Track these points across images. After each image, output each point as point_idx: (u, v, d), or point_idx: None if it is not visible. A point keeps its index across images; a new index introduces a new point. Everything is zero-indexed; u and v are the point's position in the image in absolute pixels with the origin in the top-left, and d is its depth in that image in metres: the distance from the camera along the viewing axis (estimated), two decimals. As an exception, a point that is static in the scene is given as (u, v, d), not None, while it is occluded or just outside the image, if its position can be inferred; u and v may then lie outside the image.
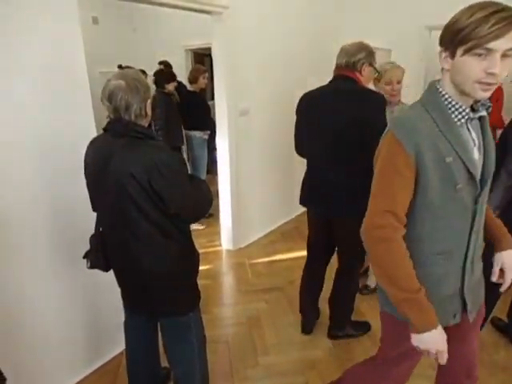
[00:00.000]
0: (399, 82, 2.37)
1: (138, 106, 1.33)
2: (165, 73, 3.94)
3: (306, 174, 2.17)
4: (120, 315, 1.74)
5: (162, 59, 4.80)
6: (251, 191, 3.61)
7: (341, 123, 1.87)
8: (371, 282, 2.83)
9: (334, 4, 4.38)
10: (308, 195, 2.14)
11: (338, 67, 1.96)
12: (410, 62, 4.30)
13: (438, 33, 4.32)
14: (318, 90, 2.03)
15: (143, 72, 4.22)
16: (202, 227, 3.98)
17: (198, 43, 5.34)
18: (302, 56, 3.96)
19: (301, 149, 2.17)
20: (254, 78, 3.39)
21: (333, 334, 2.36)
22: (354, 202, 1.78)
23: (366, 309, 2.67)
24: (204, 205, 1.48)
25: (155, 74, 3.88)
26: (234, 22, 3.00)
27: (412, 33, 4.23)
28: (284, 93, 3.75)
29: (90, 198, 1.52)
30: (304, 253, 3.46)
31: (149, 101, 1.39)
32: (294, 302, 2.75)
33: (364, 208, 1.12)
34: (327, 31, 4.35)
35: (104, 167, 1.33)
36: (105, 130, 1.40)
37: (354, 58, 1.90)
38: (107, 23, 5.54)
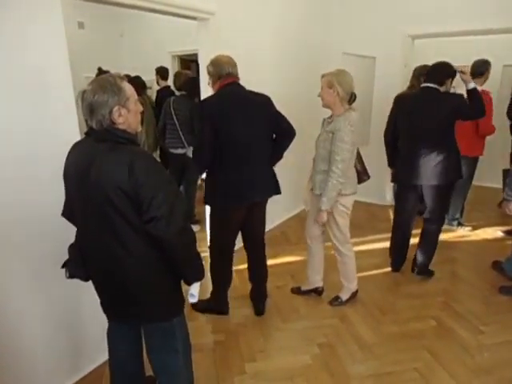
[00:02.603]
0: (322, 88, 2.40)
1: (99, 112, 1.29)
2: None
3: (227, 176, 2.22)
4: (103, 323, 1.70)
5: (158, 65, 4.74)
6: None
7: (261, 121, 2.24)
8: (343, 294, 2.78)
9: (319, 13, 4.45)
10: (239, 192, 2.26)
11: (230, 75, 2.20)
12: (395, 68, 4.40)
13: (421, 41, 4.49)
14: (224, 97, 2.18)
15: (136, 77, 4.19)
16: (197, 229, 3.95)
17: (185, 49, 5.34)
18: (288, 63, 4.00)
19: (215, 155, 2.19)
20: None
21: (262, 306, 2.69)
22: (276, 181, 2.44)
23: (354, 315, 2.68)
24: (179, 216, 1.33)
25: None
26: (220, 28, 3.01)
27: (396, 41, 4.32)
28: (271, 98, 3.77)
29: (67, 202, 1.49)
30: (290, 258, 3.47)
31: (116, 107, 1.30)
32: (281, 307, 2.75)
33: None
34: (313, 38, 4.41)
35: (85, 173, 1.31)
36: (87, 134, 1.39)
37: (236, 68, 2.24)
38: (93, 28, 5.50)
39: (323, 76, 2.40)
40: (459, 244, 3.79)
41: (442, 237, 3.89)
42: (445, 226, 3.83)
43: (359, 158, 2.64)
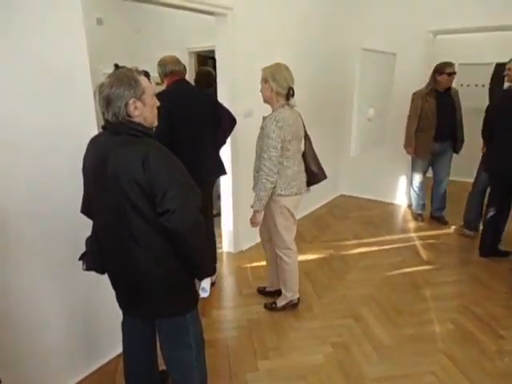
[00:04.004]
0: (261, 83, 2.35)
1: (115, 104, 1.30)
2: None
3: (186, 160, 2.30)
4: (118, 316, 1.72)
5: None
6: (253, 194, 3.58)
7: (208, 112, 2.60)
8: (279, 301, 2.66)
9: (338, 8, 4.38)
10: (199, 173, 2.37)
11: (174, 73, 2.49)
12: (415, 65, 4.30)
13: (442, 37, 4.41)
14: (177, 91, 2.47)
15: (145, 72, 4.21)
16: None
17: (202, 45, 5.34)
18: (306, 58, 3.95)
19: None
20: (258, 80, 3.37)
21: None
22: (222, 163, 2.83)
23: (369, 316, 2.64)
24: (193, 209, 1.33)
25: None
26: (237, 23, 2.99)
27: (417, 37, 4.22)
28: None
29: (85, 197, 1.50)
30: (305, 257, 3.44)
31: (131, 100, 1.30)
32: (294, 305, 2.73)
33: None
34: (332, 34, 4.35)
35: (101, 166, 1.32)
36: (104, 128, 1.39)
37: (180, 65, 2.53)
38: (112, 24, 5.55)
39: (262, 70, 2.34)
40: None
41: (461, 240, 3.81)
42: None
43: (314, 157, 2.53)
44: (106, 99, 1.30)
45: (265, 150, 2.21)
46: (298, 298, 2.68)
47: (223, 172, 2.82)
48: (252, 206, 2.31)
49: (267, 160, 2.20)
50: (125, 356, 1.75)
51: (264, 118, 2.35)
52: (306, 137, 2.49)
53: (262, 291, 2.88)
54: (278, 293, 2.72)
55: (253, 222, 2.37)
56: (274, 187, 2.28)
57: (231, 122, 2.80)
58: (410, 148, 4.01)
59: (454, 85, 4.01)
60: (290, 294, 2.62)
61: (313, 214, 4.54)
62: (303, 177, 2.43)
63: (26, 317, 1.75)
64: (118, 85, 1.29)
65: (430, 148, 3.89)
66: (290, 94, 2.25)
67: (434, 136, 3.83)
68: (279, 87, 2.23)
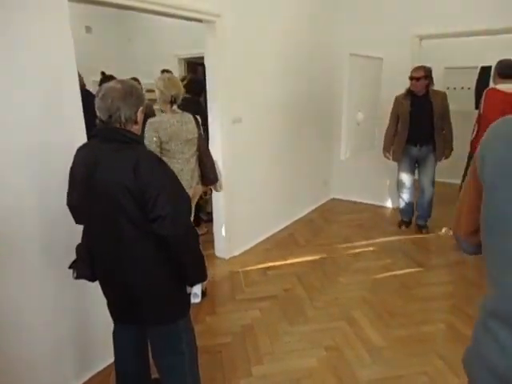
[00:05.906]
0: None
1: (128, 110, 1.34)
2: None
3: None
4: (110, 325, 1.70)
5: (163, 68, 4.78)
6: (245, 199, 3.59)
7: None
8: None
9: (326, 14, 4.44)
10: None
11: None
12: (401, 69, 4.35)
13: (428, 42, 4.48)
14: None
15: (135, 79, 4.24)
16: (201, 232, 3.96)
17: (191, 52, 5.36)
18: (294, 65, 3.99)
19: None
20: (247, 86, 3.40)
21: None
22: None
23: (362, 318, 2.65)
24: (184, 214, 1.37)
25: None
26: (226, 30, 3.01)
27: (403, 42, 4.28)
28: (277, 100, 3.77)
29: (74, 208, 1.50)
30: (298, 261, 3.45)
31: (141, 108, 1.39)
32: (288, 310, 2.73)
33: None
34: (320, 38, 4.40)
35: (92, 174, 1.32)
36: (92, 136, 1.40)
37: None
38: (101, 32, 5.56)
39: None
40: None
41: (451, 241, 3.85)
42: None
43: (212, 164, 2.77)
44: (118, 105, 1.32)
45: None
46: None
47: None
48: None
49: None
50: (117, 365, 1.73)
51: None
52: (200, 140, 2.66)
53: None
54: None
55: None
56: None
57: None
58: (387, 153, 4.00)
59: (440, 88, 4.07)
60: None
61: (305, 218, 4.56)
62: (189, 175, 2.58)
63: (11, 326, 1.72)
64: (132, 92, 1.36)
65: (402, 151, 3.86)
66: (172, 101, 2.47)
67: (406, 139, 3.78)
68: (162, 95, 2.47)
